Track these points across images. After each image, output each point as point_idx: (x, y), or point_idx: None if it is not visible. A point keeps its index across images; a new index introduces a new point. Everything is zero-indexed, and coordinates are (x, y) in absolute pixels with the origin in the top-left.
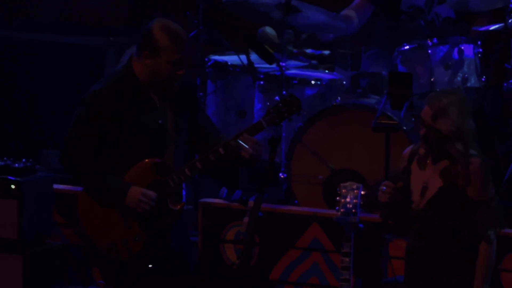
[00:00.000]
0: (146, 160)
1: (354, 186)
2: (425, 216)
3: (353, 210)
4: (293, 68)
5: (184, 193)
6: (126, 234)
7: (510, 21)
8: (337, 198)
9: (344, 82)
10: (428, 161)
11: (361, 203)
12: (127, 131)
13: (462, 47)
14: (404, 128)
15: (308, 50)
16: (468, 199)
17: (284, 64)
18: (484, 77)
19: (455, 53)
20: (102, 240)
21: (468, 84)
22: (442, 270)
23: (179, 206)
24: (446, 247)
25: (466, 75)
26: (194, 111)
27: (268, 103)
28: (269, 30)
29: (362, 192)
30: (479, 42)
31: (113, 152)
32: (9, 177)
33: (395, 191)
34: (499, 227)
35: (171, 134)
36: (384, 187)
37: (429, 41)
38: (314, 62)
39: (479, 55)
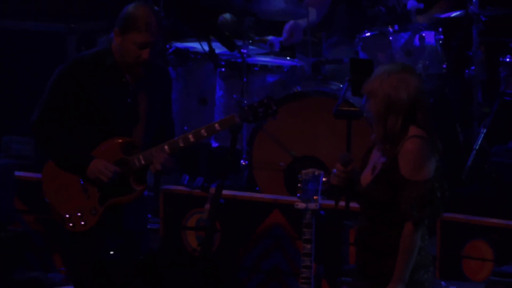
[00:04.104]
0: (117, 138)
1: (316, 173)
2: (367, 192)
3: (315, 197)
4: (255, 55)
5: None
6: (84, 205)
7: (471, 7)
8: (299, 185)
9: (306, 69)
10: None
11: (323, 189)
12: (93, 104)
13: (424, 34)
14: (365, 114)
15: (270, 37)
16: (401, 176)
17: (245, 51)
18: (445, 64)
19: (416, 40)
20: (60, 208)
21: (430, 71)
22: (379, 251)
23: (141, 187)
24: (382, 227)
25: (427, 62)
26: (165, 102)
27: (229, 90)
28: (230, 16)
29: (324, 179)
30: (440, 29)
31: (80, 125)
32: None
33: (346, 174)
34: (428, 212)
35: (140, 115)
36: (335, 170)
37: (390, 28)
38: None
39: (441, 42)
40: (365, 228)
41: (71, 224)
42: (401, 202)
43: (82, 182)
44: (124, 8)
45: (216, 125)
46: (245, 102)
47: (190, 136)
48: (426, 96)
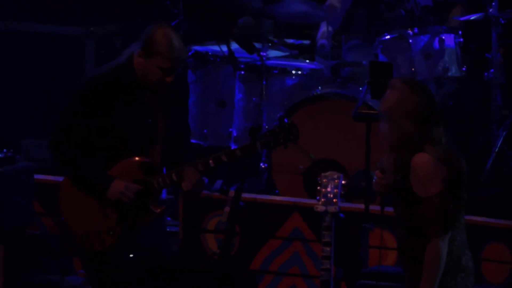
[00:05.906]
0: (136, 158)
1: (335, 176)
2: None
3: (334, 200)
4: (274, 58)
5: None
6: (102, 225)
7: (490, 10)
8: (318, 187)
9: (325, 72)
10: None
11: (342, 192)
12: (112, 123)
13: (443, 37)
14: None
15: (289, 40)
16: (414, 193)
17: (264, 54)
18: (465, 66)
19: (436, 43)
20: (77, 228)
21: (449, 74)
22: (409, 257)
23: (159, 209)
24: (410, 235)
25: (447, 65)
26: (181, 111)
27: (248, 93)
28: (249, 20)
29: (343, 182)
30: (460, 32)
31: (99, 144)
32: None
33: (385, 180)
34: (443, 224)
35: (159, 134)
36: (375, 177)
37: (410, 31)
38: (294, 51)
39: (460, 44)
40: (400, 234)
41: (88, 244)
42: (416, 219)
43: (100, 202)
44: (146, 29)
45: (237, 151)
46: (264, 118)
47: (211, 161)
48: (435, 106)
